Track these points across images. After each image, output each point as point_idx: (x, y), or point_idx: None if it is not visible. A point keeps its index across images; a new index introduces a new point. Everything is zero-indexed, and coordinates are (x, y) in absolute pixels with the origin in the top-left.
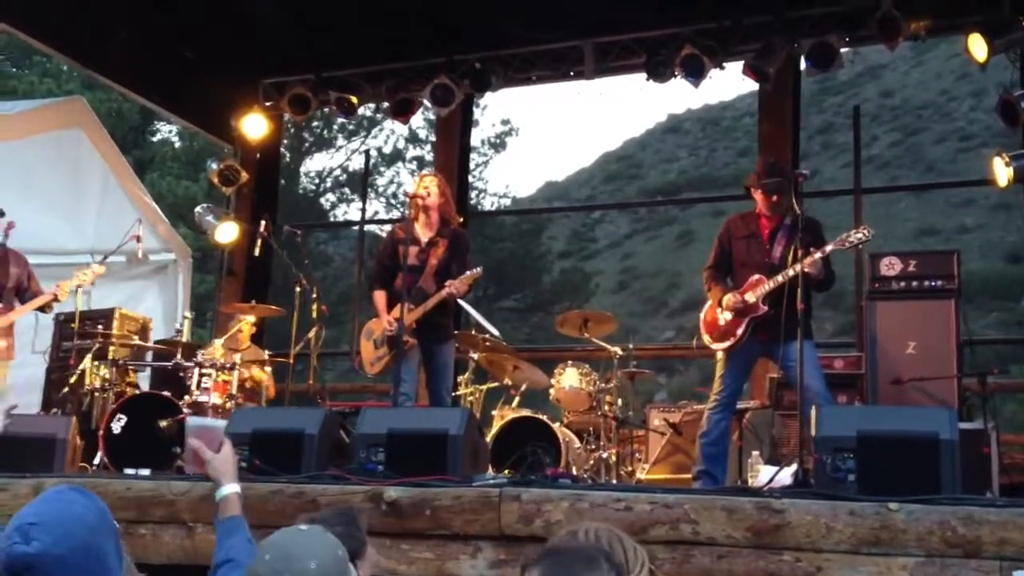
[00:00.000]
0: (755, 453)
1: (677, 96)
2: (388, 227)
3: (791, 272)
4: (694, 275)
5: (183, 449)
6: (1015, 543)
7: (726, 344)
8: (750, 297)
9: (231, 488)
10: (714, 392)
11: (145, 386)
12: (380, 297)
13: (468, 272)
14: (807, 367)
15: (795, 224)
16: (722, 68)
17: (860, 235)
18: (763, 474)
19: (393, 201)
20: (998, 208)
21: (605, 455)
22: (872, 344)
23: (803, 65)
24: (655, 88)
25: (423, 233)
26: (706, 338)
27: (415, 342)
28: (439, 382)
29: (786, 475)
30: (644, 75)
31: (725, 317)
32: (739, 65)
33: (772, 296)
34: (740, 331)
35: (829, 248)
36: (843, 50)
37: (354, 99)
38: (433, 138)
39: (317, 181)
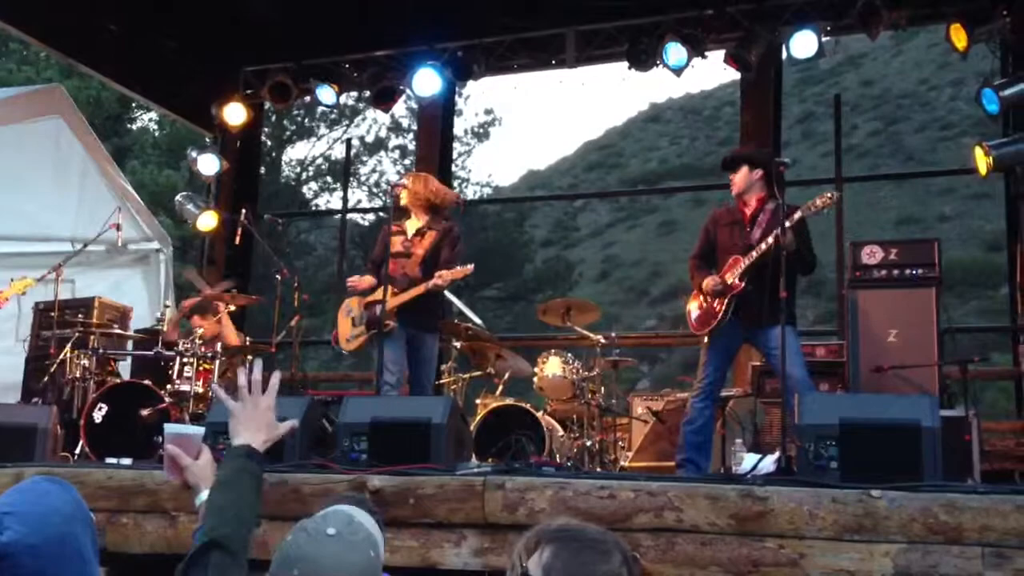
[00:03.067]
0: (738, 441)
1: (659, 85)
2: (370, 216)
3: (763, 247)
4: (676, 264)
5: (163, 440)
6: (996, 529)
7: (710, 327)
8: (729, 278)
9: None
10: (697, 380)
11: (126, 375)
12: (366, 278)
13: (459, 267)
14: (789, 355)
15: (778, 209)
16: (704, 57)
17: (825, 199)
18: (746, 461)
19: (375, 190)
20: (978, 197)
21: (588, 443)
22: (854, 332)
23: (784, 54)
24: (637, 77)
25: (413, 224)
26: (692, 326)
27: (395, 325)
28: (422, 373)
29: (769, 463)
30: (626, 63)
31: (707, 301)
32: (721, 54)
33: (750, 274)
34: (720, 311)
35: (797, 215)
36: (824, 39)
37: (335, 87)
38: (415, 127)
39: (299, 170)
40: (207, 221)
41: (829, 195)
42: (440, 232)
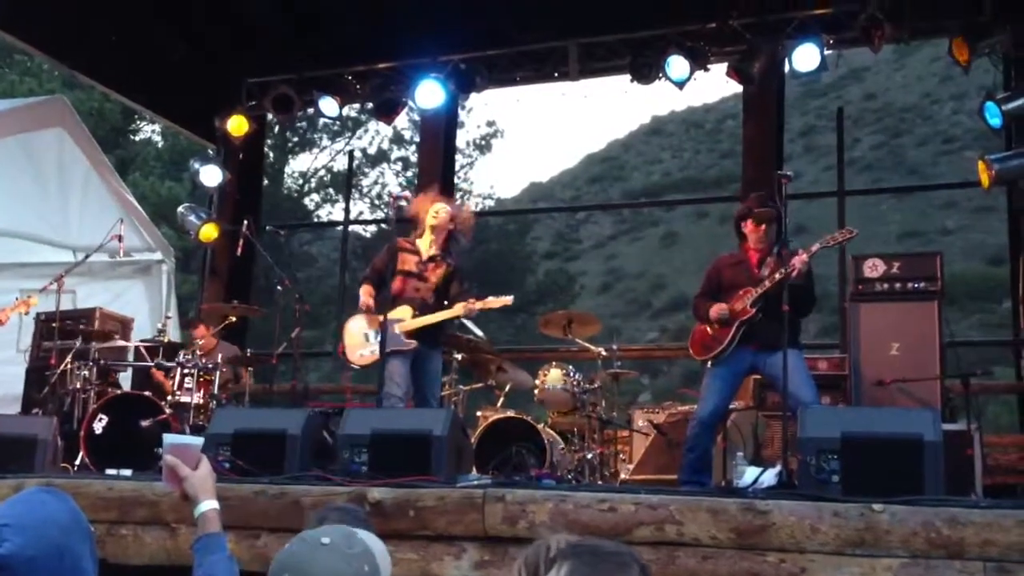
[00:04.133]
0: (739, 454)
1: (661, 98)
2: (372, 228)
3: (777, 276)
4: (678, 276)
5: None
6: (999, 544)
7: (713, 353)
8: (738, 305)
9: (209, 505)
10: (699, 407)
11: (127, 386)
12: (367, 289)
13: (493, 298)
14: (797, 376)
15: (783, 251)
16: (706, 70)
17: (845, 234)
18: (747, 475)
19: (377, 202)
20: (980, 210)
21: (589, 456)
22: (856, 346)
23: (787, 67)
24: (639, 90)
25: (427, 249)
26: (694, 353)
27: (416, 344)
28: (427, 387)
29: (770, 476)
30: (628, 76)
31: (712, 329)
32: (723, 67)
33: (759, 303)
34: (728, 337)
35: (815, 247)
36: (827, 52)
37: (338, 99)
38: (418, 139)
39: (301, 181)
40: (207, 232)
41: (848, 231)
42: (450, 267)
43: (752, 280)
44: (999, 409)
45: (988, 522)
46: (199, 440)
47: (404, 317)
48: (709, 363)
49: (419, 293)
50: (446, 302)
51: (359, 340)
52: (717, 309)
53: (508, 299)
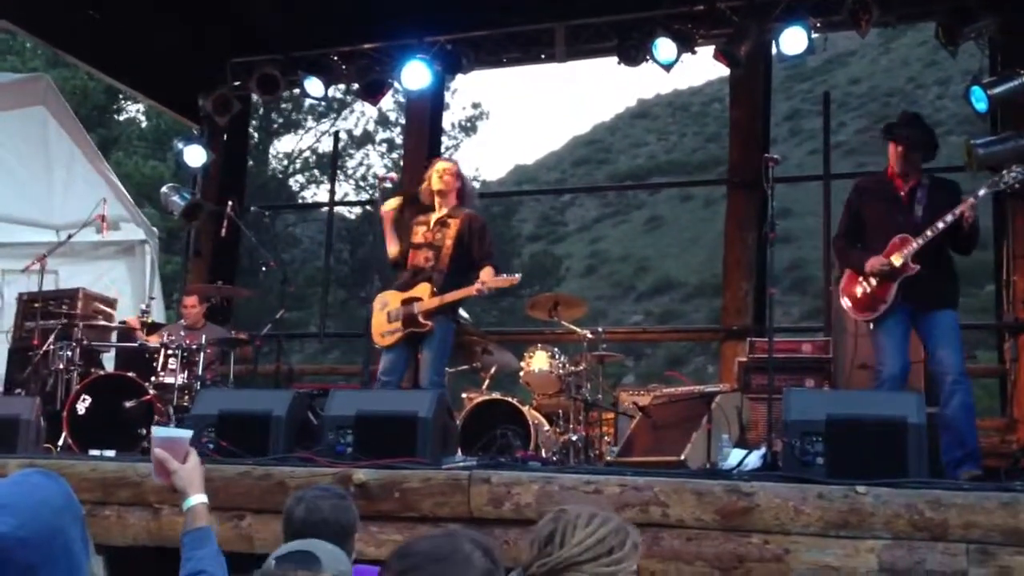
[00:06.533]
0: (724, 436)
1: (647, 81)
2: (357, 209)
3: (940, 225)
4: (662, 259)
5: (148, 431)
6: (981, 526)
7: (876, 313)
8: (896, 259)
9: (198, 499)
10: (877, 371)
11: (110, 367)
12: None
13: (504, 276)
14: (947, 337)
15: (934, 185)
16: (694, 53)
17: (1016, 173)
18: (732, 457)
19: (362, 184)
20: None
21: (574, 438)
22: (840, 329)
23: (774, 50)
24: (625, 72)
25: (435, 215)
26: (850, 310)
27: (433, 325)
28: (438, 361)
29: (755, 458)
30: (615, 59)
31: (869, 285)
32: (710, 50)
33: (920, 257)
34: (891, 296)
35: (983, 191)
36: (814, 36)
37: (323, 79)
38: (403, 121)
39: (286, 163)
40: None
41: (1020, 170)
42: (463, 220)
43: (908, 224)
44: (981, 393)
45: (971, 504)
46: (187, 433)
47: (423, 296)
48: (872, 324)
49: (433, 263)
50: (473, 264)
51: (382, 320)
52: (874, 264)
53: (516, 277)
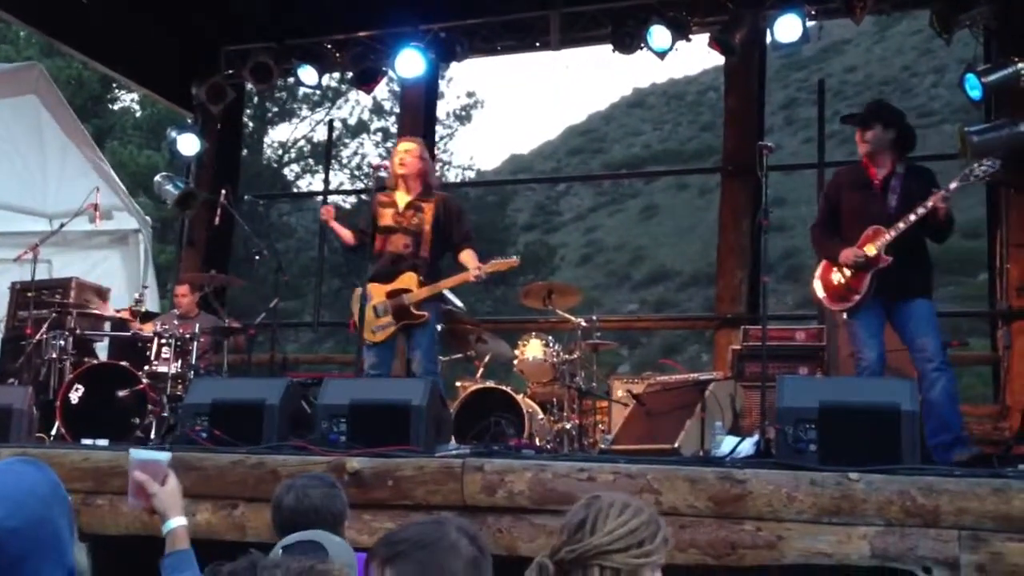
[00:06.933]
0: (717, 424)
1: (642, 70)
2: (352, 198)
3: (912, 217)
4: (657, 248)
5: (140, 421)
6: (973, 512)
7: (850, 304)
8: (870, 250)
9: (178, 521)
10: (861, 361)
11: (103, 356)
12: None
13: (500, 259)
14: (926, 325)
15: (909, 173)
16: (688, 40)
17: (985, 167)
18: (725, 444)
19: (357, 172)
20: None
21: (568, 426)
22: (833, 316)
23: (768, 38)
24: (620, 61)
25: (402, 198)
26: (824, 299)
27: (427, 315)
28: (431, 350)
29: (748, 446)
30: (610, 46)
31: (843, 275)
32: (705, 38)
33: (893, 248)
34: (864, 287)
35: (955, 184)
36: (809, 24)
37: (317, 68)
38: (398, 110)
39: (280, 152)
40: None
41: (990, 164)
42: (438, 203)
43: (882, 214)
44: (973, 380)
45: (963, 491)
46: (166, 455)
47: (411, 286)
48: (845, 315)
49: (412, 249)
50: (456, 246)
51: (369, 315)
52: (848, 255)
53: (515, 260)
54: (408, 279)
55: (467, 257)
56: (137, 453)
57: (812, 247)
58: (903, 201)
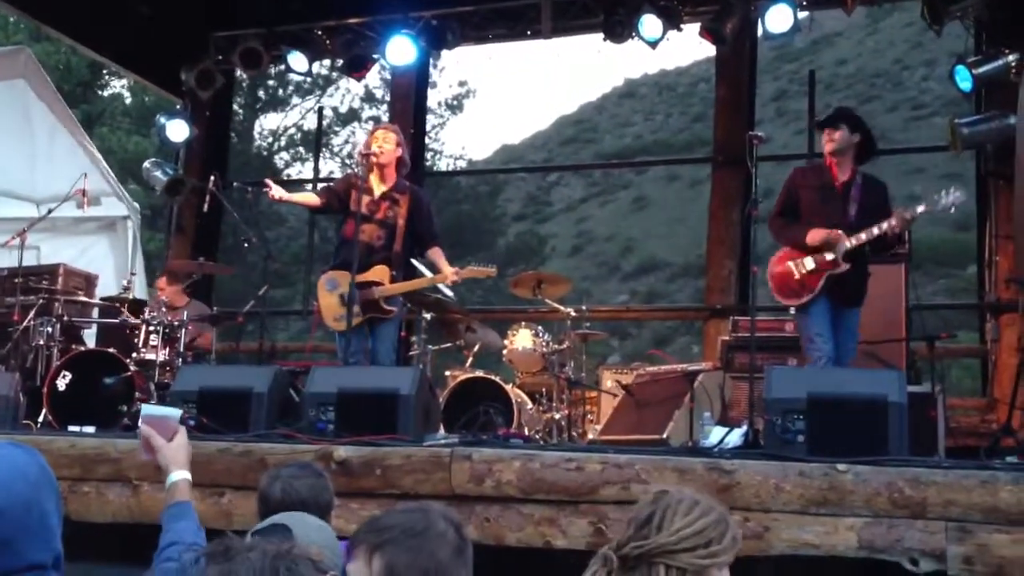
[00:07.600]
0: (706, 414)
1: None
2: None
3: (875, 231)
4: (648, 239)
5: (128, 408)
6: (960, 504)
7: (800, 300)
8: (829, 255)
9: (180, 475)
10: (820, 353)
11: (91, 343)
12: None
13: (478, 267)
14: (853, 337)
15: (866, 184)
16: (679, 30)
17: (953, 197)
18: (713, 435)
19: (347, 161)
20: (948, 177)
21: (557, 416)
22: None
23: (760, 29)
24: (612, 53)
25: (377, 185)
26: (774, 291)
27: (395, 311)
28: (395, 342)
29: (736, 436)
30: (602, 35)
31: (801, 271)
32: (696, 27)
33: (849, 255)
34: (818, 287)
35: (921, 208)
36: (800, 15)
37: (307, 54)
38: (388, 98)
39: (271, 139)
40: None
41: (958, 195)
42: (412, 198)
43: (842, 221)
44: (962, 372)
45: (950, 483)
46: (177, 412)
47: (382, 279)
48: (794, 308)
49: (382, 243)
50: (422, 245)
51: (332, 302)
52: (816, 235)
53: (492, 270)
54: (380, 272)
55: (437, 255)
56: (148, 408)
57: (772, 236)
58: (861, 212)
